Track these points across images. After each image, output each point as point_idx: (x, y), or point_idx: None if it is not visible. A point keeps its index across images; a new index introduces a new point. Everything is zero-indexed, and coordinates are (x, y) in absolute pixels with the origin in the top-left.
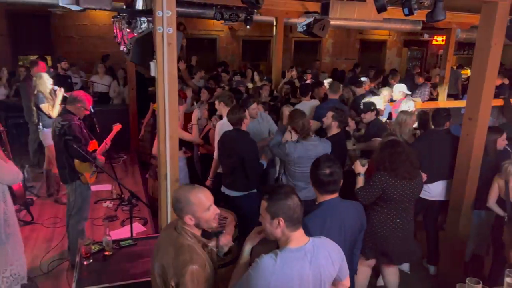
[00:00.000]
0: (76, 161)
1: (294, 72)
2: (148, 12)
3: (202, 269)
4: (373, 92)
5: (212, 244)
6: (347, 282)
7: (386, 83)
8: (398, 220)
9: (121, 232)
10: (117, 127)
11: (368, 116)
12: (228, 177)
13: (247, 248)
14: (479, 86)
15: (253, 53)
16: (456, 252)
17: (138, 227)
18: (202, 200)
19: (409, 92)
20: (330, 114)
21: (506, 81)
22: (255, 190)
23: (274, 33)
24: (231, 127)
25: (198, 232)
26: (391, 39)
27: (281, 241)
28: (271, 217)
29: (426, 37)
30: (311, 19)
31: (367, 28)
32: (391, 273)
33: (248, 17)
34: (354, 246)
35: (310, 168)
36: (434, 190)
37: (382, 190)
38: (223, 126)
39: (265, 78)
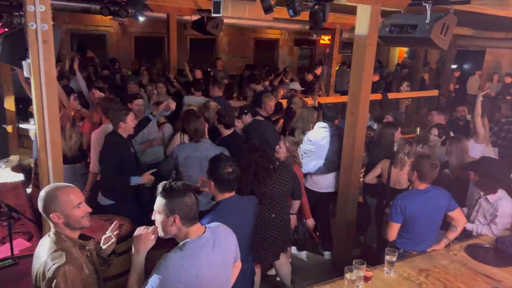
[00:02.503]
0: None
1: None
2: (20, 6)
3: (78, 271)
4: (266, 90)
5: (91, 245)
6: (239, 264)
7: (279, 81)
8: (273, 216)
9: (2, 251)
10: None
11: (245, 119)
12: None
13: (142, 257)
14: (358, 83)
15: (147, 50)
16: (346, 236)
17: (22, 243)
18: (70, 196)
19: (302, 89)
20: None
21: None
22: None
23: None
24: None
25: (73, 235)
26: (283, 38)
27: (179, 237)
28: (167, 214)
29: (314, 36)
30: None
31: (260, 27)
32: (282, 265)
33: (139, 13)
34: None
35: (209, 166)
36: (323, 183)
37: (251, 188)
38: (100, 135)
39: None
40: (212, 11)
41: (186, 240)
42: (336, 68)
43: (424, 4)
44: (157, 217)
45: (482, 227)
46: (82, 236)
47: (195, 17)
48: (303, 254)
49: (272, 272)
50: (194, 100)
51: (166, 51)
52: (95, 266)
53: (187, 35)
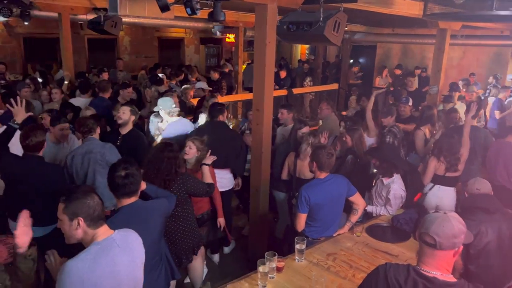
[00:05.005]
0: None
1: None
2: None
3: None
4: (171, 90)
5: None
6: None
7: (186, 80)
8: (177, 214)
9: None
10: None
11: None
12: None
13: None
14: (261, 80)
15: (39, 52)
16: (260, 230)
17: None
18: None
19: (210, 88)
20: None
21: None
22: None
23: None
24: None
25: None
26: (188, 37)
27: (86, 241)
28: (69, 218)
29: (219, 35)
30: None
31: (162, 26)
32: (195, 269)
33: (25, 12)
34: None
35: (108, 173)
36: (225, 182)
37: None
38: None
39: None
40: (108, 9)
41: (91, 243)
42: (244, 66)
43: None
44: (60, 224)
45: (380, 208)
46: None
47: (90, 16)
48: (216, 257)
49: (188, 280)
50: (80, 102)
51: (61, 53)
52: None
53: (84, 35)
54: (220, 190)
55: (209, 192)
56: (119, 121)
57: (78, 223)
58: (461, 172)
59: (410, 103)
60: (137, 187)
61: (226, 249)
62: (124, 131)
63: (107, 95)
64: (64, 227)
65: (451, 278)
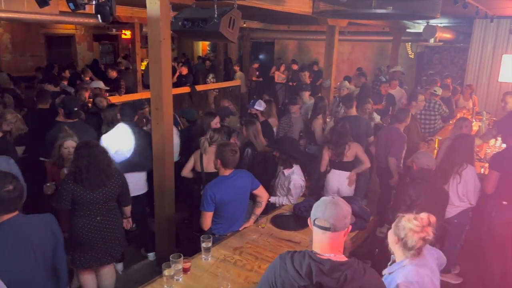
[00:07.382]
0: None
1: None
2: None
3: None
4: (65, 91)
5: None
6: None
7: (77, 79)
8: (98, 218)
9: None
10: None
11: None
12: None
13: None
14: (158, 78)
15: None
16: (167, 233)
17: None
18: None
19: (108, 88)
20: None
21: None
22: None
23: None
24: None
25: None
26: (79, 34)
27: None
28: None
29: (114, 31)
30: None
31: (47, 22)
32: (105, 275)
33: None
34: (53, 260)
35: None
36: (137, 186)
37: (72, 195)
38: None
39: None
40: None
41: None
42: (145, 63)
43: None
44: None
45: (282, 199)
46: None
47: None
48: (120, 266)
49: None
50: None
51: None
52: None
53: None
54: (137, 193)
55: (129, 203)
56: None
57: None
58: (354, 158)
59: (259, 107)
60: (21, 202)
61: (151, 256)
62: None
63: None
64: None
65: (343, 258)
